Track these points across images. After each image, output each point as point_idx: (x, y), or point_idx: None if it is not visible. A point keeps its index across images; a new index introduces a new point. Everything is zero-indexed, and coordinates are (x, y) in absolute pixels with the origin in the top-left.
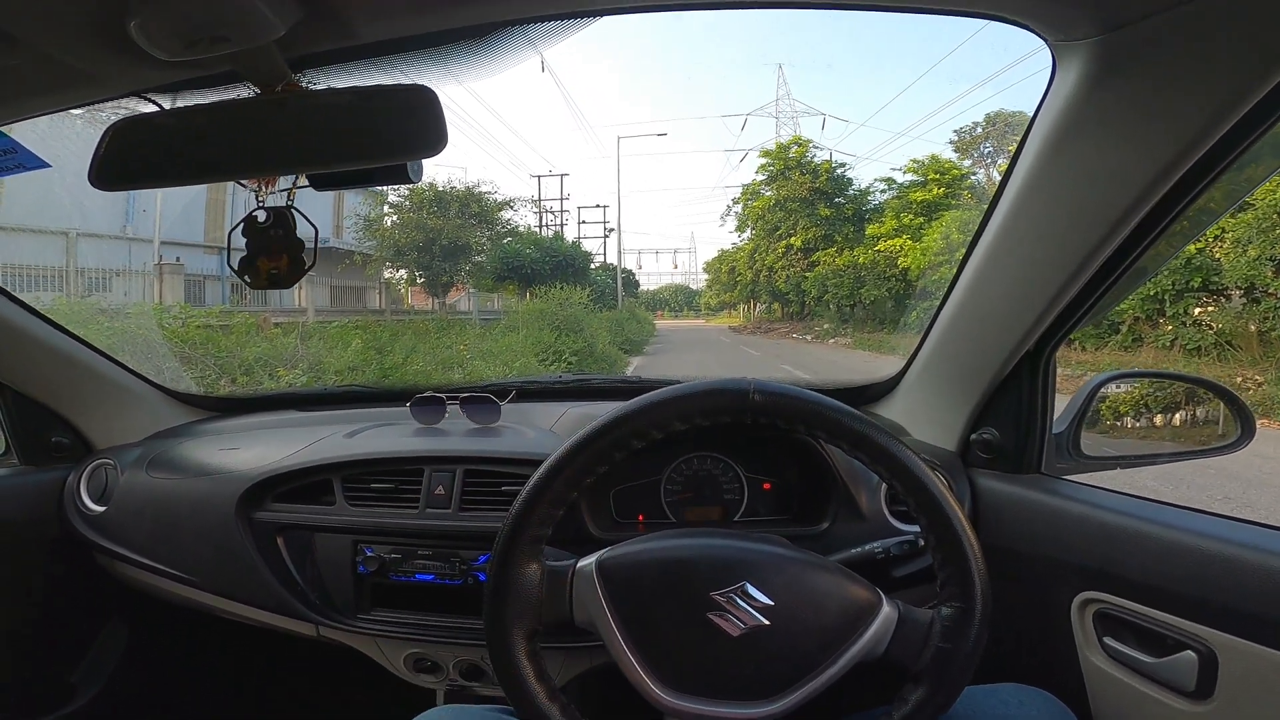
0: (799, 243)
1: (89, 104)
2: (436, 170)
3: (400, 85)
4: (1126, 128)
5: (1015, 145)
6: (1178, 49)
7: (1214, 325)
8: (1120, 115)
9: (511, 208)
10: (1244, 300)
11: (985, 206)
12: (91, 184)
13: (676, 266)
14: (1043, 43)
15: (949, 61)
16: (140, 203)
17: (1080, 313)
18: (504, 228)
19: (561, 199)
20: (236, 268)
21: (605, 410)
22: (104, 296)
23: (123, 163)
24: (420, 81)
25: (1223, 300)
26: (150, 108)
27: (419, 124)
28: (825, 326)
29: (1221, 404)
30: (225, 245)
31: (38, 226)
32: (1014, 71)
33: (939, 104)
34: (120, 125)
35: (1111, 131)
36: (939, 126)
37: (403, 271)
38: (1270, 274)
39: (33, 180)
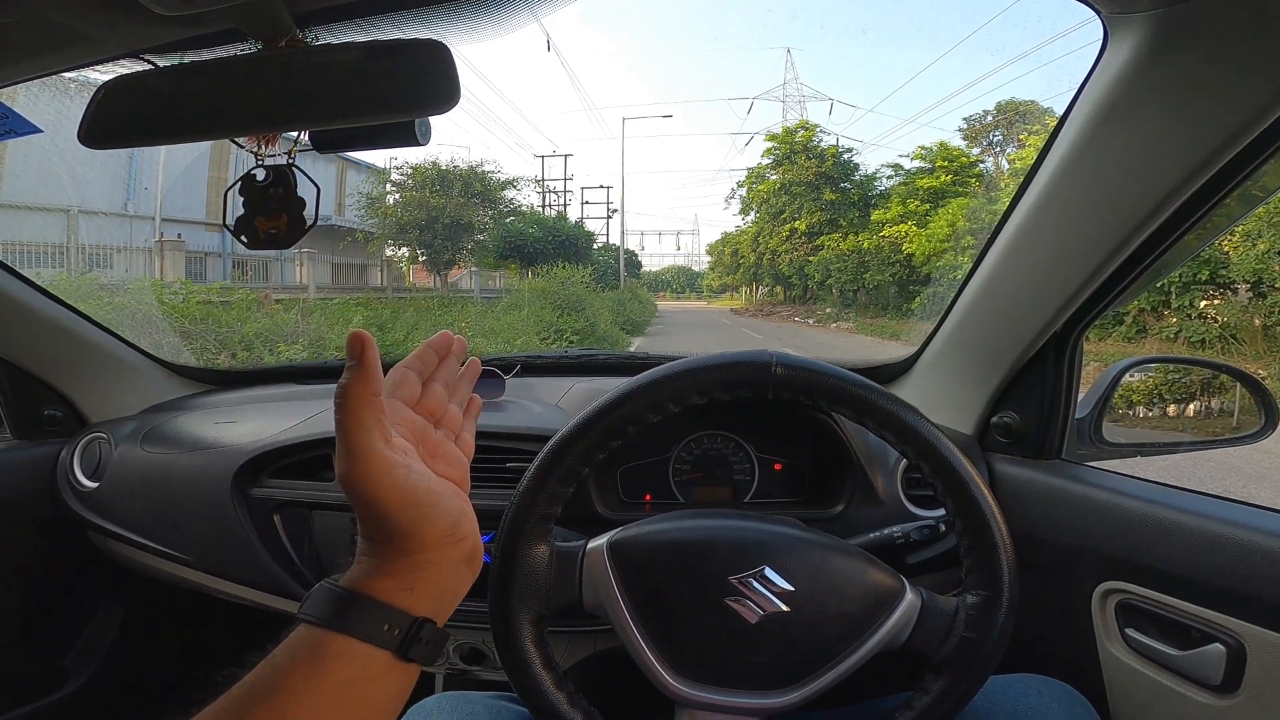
0: (803, 227)
1: (84, 66)
2: (440, 149)
3: (411, 40)
4: (1179, 106)
5: (1025, 134)
6: (1239, 26)
7: (1219, 318)
8: (1174, 93)
9: (514, 187)
10: (1251, 294)
11: (993, 194)
12: (81, 142)
13: (679, 248)
14: (1094, 15)
15: (968, 43)
16: (141, 180)
17: (1113, 294)
18: (507, 207)
19: (565, 179)
20: (233, 228)
21: (613, 385)
22: (105, 272)
23: (115, 120)
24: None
25: (1229, 294)
26: (147, 67)
27: (430, 80)
28: (828, 311)
29: (1244, 392)
30: (223, 206)
31: (38, 204)
32: (1024, 63)
33: (951, 89)
34: (114, 82)
35: (1163, 110)
36: (949, 113)
37: (405, 249)
38: (1278, 268)
39: (33, 157)
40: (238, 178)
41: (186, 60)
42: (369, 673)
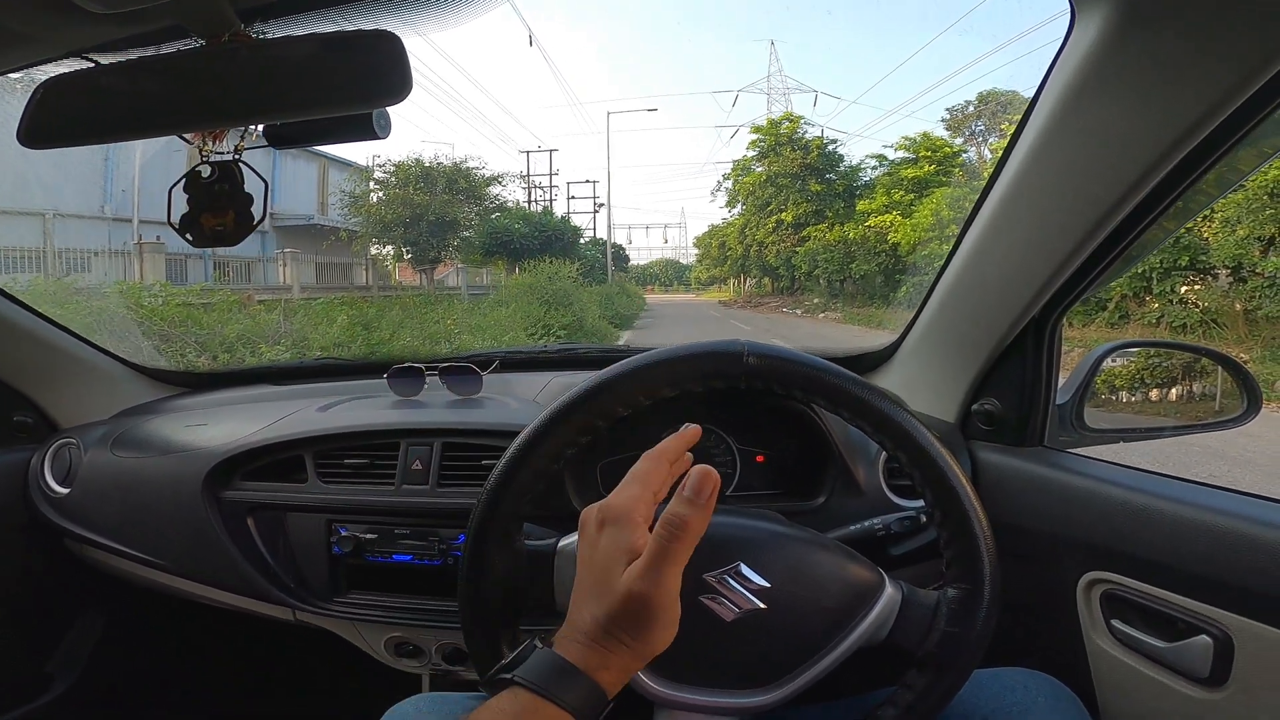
0: (789, 218)
1: (25, 67)
2: (423, 145)
3: (361, 31)
4: (1147, 88)
5: (1006, 124)
6: (1205, 6)
7: (1200, 303)
8: (1142, 73)
9: (500, 183)
10: (1231, 279)
11: (976, 184)
12: (20, 142)
13: (667, 241)
14: None
15: (947, 34)
16: (119, 181)
17: (1089, 279)
18: (492, 203)
19: (550, 174)
20: (178, 225)
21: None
22: (83, 276)
23: (56, 119)
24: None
25: (1209, 279)
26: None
27: (382, 71)
28: (815, 301)
29: (1226, 376)
30: (168, 204)
31: (13, 208)
32: (1004, 53)
33: (932, 81)
34: (53, 81)
35: (1131, 92)
36: (931, 104)
37: (390, 248)
38: (1257, 253)
39: (5, 161)
40: (181, 175)
41: (129, 58)
42: None
